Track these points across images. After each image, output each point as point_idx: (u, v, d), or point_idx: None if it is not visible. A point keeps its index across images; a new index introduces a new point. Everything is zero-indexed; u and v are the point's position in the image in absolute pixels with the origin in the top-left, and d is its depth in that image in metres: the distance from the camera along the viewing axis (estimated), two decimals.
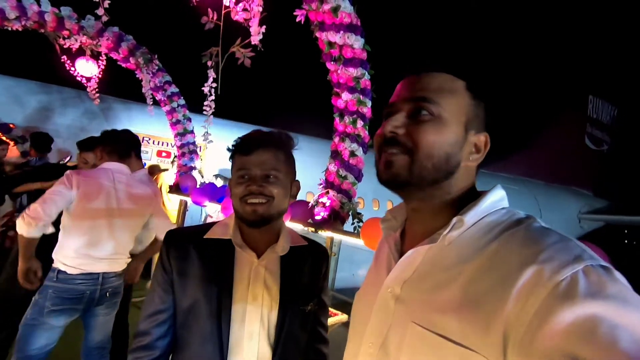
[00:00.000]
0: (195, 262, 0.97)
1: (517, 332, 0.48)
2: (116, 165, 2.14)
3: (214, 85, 2.79)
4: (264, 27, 2.26)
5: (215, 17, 2.36)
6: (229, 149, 1.01)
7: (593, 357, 0.41)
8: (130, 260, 2.21)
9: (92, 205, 1.98)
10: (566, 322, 0.44)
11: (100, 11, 2.87)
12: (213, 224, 1.06)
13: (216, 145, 6.04)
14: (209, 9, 2.35)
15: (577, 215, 11.72)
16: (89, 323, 2.09)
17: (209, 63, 2.65)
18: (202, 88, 2.83)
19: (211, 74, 2.72)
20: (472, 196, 0.65)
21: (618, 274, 0.48)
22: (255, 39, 2.27)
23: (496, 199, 0.63)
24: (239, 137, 1.01)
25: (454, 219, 0.60)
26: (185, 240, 1.01)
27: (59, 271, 1.93)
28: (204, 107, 2.96)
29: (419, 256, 0.63)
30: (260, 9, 2.24)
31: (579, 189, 12.89)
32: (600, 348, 0.41)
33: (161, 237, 2.27)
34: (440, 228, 0.62)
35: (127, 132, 2.66)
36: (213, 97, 2.90)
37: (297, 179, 1.06)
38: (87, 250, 1.96)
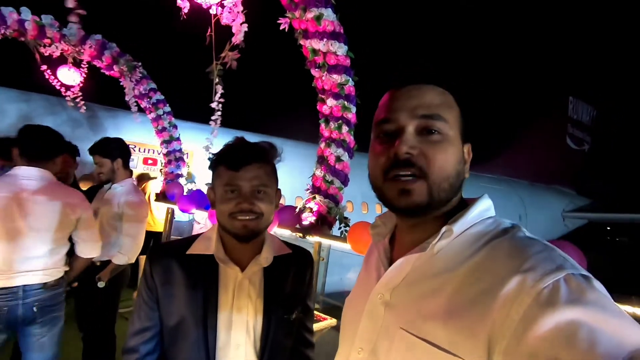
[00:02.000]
0: (180, 279, 0.97)
1: (502, 338, 0.49)
2: (25, 171, 1.92)
3: (222, 100, 2.79)
4: (246, 25, 2.27)
5: (210, 30, 2.37)
6: (210, 159, 1.01)
7: None
8: (64, 267, 2.06)
9: None
10: (548, 327, 0.46)
11: (73, 18, 2.80)
12: (195, 237, 1.06)
13: (203, 151, 5.97)
14: (209, 28, 2.36)
15: (561, 213, 12.00)
16: (24, 344, 1.93)
17: (217, 79, 2.65)
18: (211, 104, 2.83)
19: (219, 89, 2.72)
20: (460, 205, 0.66)
21: (597, 283, 0.50)
22: (237, 38, 2.28)
23: (483, 209, 0.64)
24: (223, 148, 1.00)
25: (443, 228, 0.61)
26: (169, 257, 1.00)
27: None
28: (211, 121, 2.96)
29: (409, 264, 0.64)
30: (241, 8, 2.26)
31: (562, 188, 13.21)
32: (580, 352, 0.43)
33: (82, 254, 2.11)
34: (429, 237, 0.63)
35: (118, 141, 2.63)
36: (220, 112, 2.91)
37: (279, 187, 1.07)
38: None
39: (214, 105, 2.81)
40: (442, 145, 0.60)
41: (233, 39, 2.33)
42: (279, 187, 1.06)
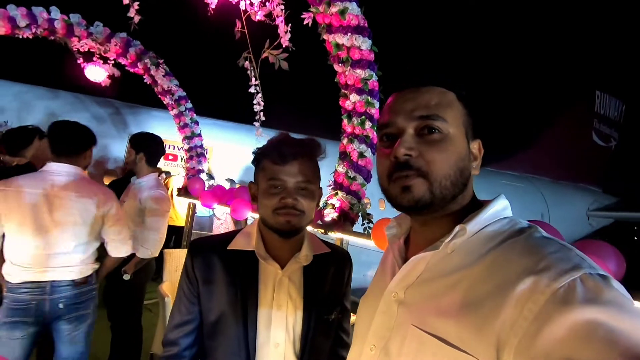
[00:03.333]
0: (220, 273, 0.98)
1: (514, 337, 0.49)
2: (55, 167, 1.96)
3: (257, 82, 2.75)
4: (290, 25, 2.25)
5: (240, 26, 2.36)
6: (255, 153, 1.01)
7: None
8: (93, 265, 2.08)
9: (14, 217, 1.85)
10: (564, 327, 0.45)
11: (131, 13, 2.76)
12: (235, 232, 1.06)
13: (223, 147, 6.04)
14: (237, 20, 2.34)
15: (586, 212, 11.59)
16: (55, 337, 1.98)
17: (247, 65, 2.61)
18: (249, 90, 2.77)
19: (252, 76, 2.70)
20: (473, 204, 0.67)
21: (615, 282, 0.49)
22: (285, 39, 2.25)
23: (499, 209, 0.65)
24: (268, 142, 1.00)
25: (457, 227, 0.61)
26: (210, 251, 1.01)
27: (7, 281, 1.87)
28: (254, 106, 2.88)
29: (423, 262, 0.65)
30: (282, 7, 2.24)
31: (587, 185, 12.74)
32: (598, 352, 0.42)
33: (112, 253, 2.12)
34: (443, 236, 0.63)
35: (149, 137, 2.69)
36: (259, 97, 2.85)
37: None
38: (20, 260, 1.86)
39: (252, 90, 2.75)
40: (441, 144, 0.62)
41: (281, 41, 2.28)
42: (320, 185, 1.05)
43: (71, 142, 2.02)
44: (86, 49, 3.30)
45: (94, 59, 3.54)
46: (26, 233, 1.86)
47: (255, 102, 2.85)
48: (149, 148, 2.65)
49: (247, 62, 2.59)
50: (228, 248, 1.01)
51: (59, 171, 1.96)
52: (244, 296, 0.95)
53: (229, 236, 1.05)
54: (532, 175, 10.92)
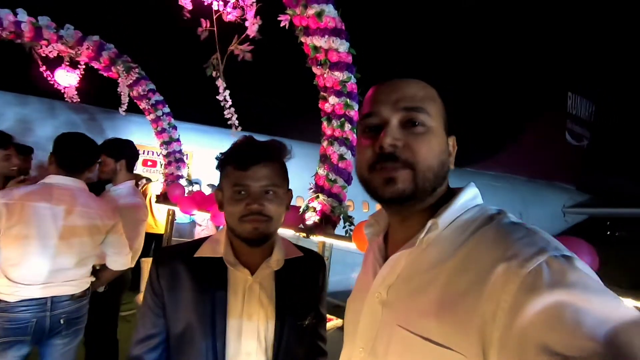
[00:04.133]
0: (187, 283, 0.93)
1: (496, 330, 0.49)
2: (59, 180, 1.90)
3: (226, 93, 2.70)
4: (258, 17, 2.23)
5: (208, 25, 2.32)
6: (218, 159, 0.97)
7: (561, 343, 0.43)
8: (90, 278, 2.03)
9: (18, 231, 1.75)
10: (534, 313, 0.46)
11: None
12: (203, 240, 1.02)
13: (202, 152, 5.95)
14: (202, 19, 2.31)
15: (562, 209, 12.01)
16: (45, 353, 1.90)
17: (214, 74, 2.57)
18: (217, 97, 2.71)
19: (221, 83, 2.64)
20: (447, 196, 0.67)
21: (579, 262, 0.50)
22: (252, 30, 2.23)
23: (469, 198, 0.65)
24: (231, 147, 0.96)
25: (429, 222, 0.61)
26: (175, 260, 0.96)
27: (1, 300, 1.75)
28: (226, 116, 2.83)
29: (401, 260, 0.65)
30: (254, 1, 2.22)
31: (562, 184, 13.21)
32: (566, 333, 0.43)
33: (113, 266, 2.09)
34: (419, 231, 0.63)
35: (127, 143, 2.59)
36: (230, 103, 2.78)
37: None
38: (20, 277, 1.76)
39: (220, 98, 2.71)
40: (426, 136, 0.62)
41: (248, 31, 2.25)
42: (289, 187, 1.02)
43: (80, 157, 1.97)
44: (55, 54, 3.18)
45: (63, 65, 3.42)
46: (30, 248, 1.77)
47: (225, 113, 2.80)
48: (128, 154, 2.56)
49: (214, 72, 2.54)
50: (195, 255, 0.96)
51: (64, 185, 1.90)
52: (212, 305, 0.91)
53: (196, 243, 1.00)
54: (510, 175, 11.24)
